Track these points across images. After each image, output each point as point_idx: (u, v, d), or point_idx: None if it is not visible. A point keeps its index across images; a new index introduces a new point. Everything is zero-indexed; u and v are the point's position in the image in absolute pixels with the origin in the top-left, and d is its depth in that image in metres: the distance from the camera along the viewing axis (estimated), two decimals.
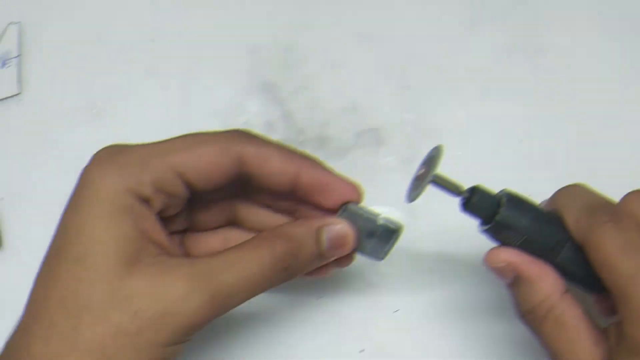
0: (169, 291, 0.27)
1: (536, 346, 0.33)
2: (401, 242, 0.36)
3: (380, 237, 0.31)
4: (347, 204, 0.30)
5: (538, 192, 0.37)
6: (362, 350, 0.36)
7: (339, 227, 0.30)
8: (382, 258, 0.32)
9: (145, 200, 0.28)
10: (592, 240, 0.28)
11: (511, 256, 0.30)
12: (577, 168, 0.41)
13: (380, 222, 0.31)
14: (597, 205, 0.29)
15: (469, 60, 0.44)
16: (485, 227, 0.31)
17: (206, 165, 0.28)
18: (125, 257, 0.27)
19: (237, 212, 0.33)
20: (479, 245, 0.34)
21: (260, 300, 0.36)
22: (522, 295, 0.30)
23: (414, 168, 0.39)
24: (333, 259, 0.31)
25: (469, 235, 0.35)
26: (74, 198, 0.28)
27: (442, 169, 0.31)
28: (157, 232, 0.28)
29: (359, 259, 0.33)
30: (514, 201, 0.31)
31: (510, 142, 0.41)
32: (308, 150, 0.39)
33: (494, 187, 0.38)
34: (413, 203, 0.33)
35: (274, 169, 0.29)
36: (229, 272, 0.28)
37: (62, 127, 0.43)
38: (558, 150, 0.41)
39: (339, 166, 0.39)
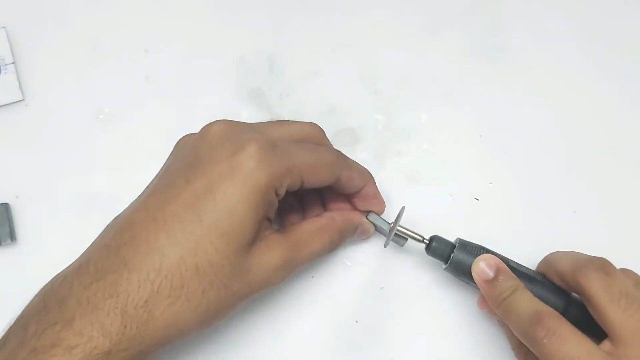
0: (272, 266, 0.32)
1: None
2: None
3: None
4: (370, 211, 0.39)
5: (497, 181, 0.42)
6: (356, 322, 0.39)
7: (366, 224, 0.39)
8: (403, 245, 0.39)
9: (278, 195, 0.33)
10: (537, 353, 0.32)
11: (488, 307, 0.36)
12: (533, 160, 0.43)
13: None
14: (534, 318, 0.32)
15: (432, 65, 0.46)
16: (445, 267, 0.37)
17: (320, 181, 0.35)
18: (253, 238, 0.31)
19: None
20: (447, 229, 0.38)
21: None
22: (506, 336, 0.37)
23: (385, 162, 0.43)
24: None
25: (445, 220, 0.40)
26: (224, 174, 0.31)
27: (416, 157, 0.41)
28: (273, 215, 0.34)
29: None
30: (464, 244, 0.36)
31: (470, 137, 0.44)
32: None
33: (457, 175, 0.42)
34: (388, 193, 0.39)
35: (353, 185, 0.37)
36: (304, 249, 0.35)
37: (70, 132, 0.44)
38: (516, 144, 0.43)
39: None
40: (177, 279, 0.29)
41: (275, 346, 0.39)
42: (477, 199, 0.42)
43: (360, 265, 0.41)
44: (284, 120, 0.39)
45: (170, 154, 0.36)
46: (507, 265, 0.35)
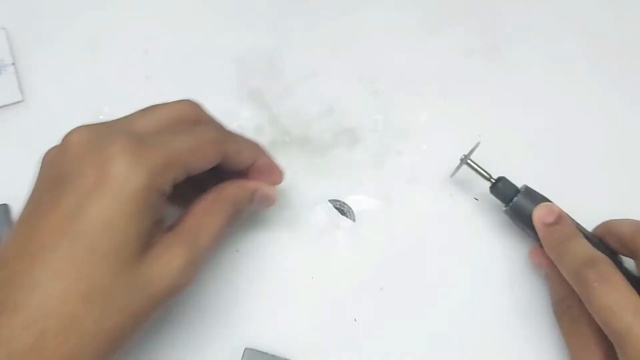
0: (175, 269, 0.29)
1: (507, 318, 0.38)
2: (378, 226, 0.40)
3: None
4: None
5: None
6: (355, 320, 0.39)
7: (265, 190, 0.37)
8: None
9: (164, 193, 0.29)
10: (584, 296, 0.32)
11: (540, 258, 0.36)
12: (533, 159, 0.43)
13: None
14: (589, 262, 0.32)
15: (432, 64, 0.46)
16: (505, 208, 0.37)
17: (206, 164, 0.32)
18: (144, 243, 0.28)
19: None
20: (447, 228, 0.39)
21: (262, 280, 0.40)
22: (549, 290, 0.37)
23: (384, 162, 0.43)
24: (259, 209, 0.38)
25: (445, 220, 0.40)
26: (93, 187, 0.27)
27: (416, 157, 0.40)
28: (164, 216, 0.30)
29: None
30: (529, 192, 0.37)
31: (469, 136, 0.42)
32: (293, 149, 0.43)
33: (457, 174, 0.41)
34: (388, 193, 0.39)
35: (244, 159, 0.35)
36: (203, 236, 0.31)
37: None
38: (515, 143, 0.44)
39: (321, 163, 0.43)
40: (63, 315, 0.26)
41: (274, 345, 0.39)
42: (477, 199, 0.42)
43: (361, 266, 0.41)
44: (150, 107, 0.34)
45: (37, 176, 0.31)
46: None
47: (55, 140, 0.42)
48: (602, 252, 0.34)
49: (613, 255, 0.36)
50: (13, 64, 0.45)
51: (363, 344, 0.38)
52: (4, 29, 0.46)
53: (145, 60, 0.46)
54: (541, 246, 0.36)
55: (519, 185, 0.38)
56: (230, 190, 0.34)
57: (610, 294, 0.31)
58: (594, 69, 0.46)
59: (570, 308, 0.34)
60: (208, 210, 0.33)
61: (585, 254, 0.33)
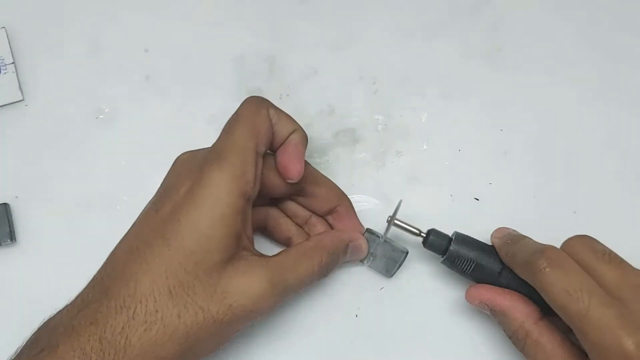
0: (256, 291, 0.31)
1: None
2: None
3: (389, 258, 0.39)
4: (369, 229, 0.40)
5: (497, 181, 0.43)
6: (357, 316, 0.40)
7: (360, 242, 0.39)
8: (391, 276, 0.40)
9: (249, 200, 0.32)
10: (538, 284, 0.32)
11: (480, 294, 0.36)
12: (533, 160, 0.43)
13: (393, 245, 0.39)
14: (538, 252, 0.33)
15: (432, 64, 0.46)
16: (442, 259, 0.37)
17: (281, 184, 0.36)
18: (227, 255, 0.31)
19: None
20: (447, 228, 0.39)
21: None
22: (501, 324, 0.36)
23: (385, 162, 0.43)
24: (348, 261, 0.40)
25: (445, 220, 0.39)
26: (187, 193, 0.31)
27: (416, 157, 0.41)
28: (249, 228, 0.33)
29: None
30: (461, 238, 0.37)
31: (470, 136, 0.44)
32: None
33: (457, 175, 0.42)
34: (388, 192, 0.39)
35: (322, 199, 0.38)
36: (293, 274, 0.33)
37: (70, 132, 0.44)
38: (515, 144, 0.44)
39: (322, 162, 0.43)
40: (151, 304, 0.29)
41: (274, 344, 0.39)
42: (477, 199, 0.42)
43: (360, 266, 0.41)
44: None
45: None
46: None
47: (55, 139, 0.43)
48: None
49: None
50: (13, 63, 0.45)
51: (363, 341, 0.39)
52: (4, 28, 0.46)
53: (145, 60, 0.46)
54: (460, 273, 0.37)
55: (449, 233, 0.38)
56: (328, 239, 0.37)
57: (563, 277, 0.31)
58: (596, 69, 0.46)
59: (529, 334, 0.34)
60: (304, 253, 0.35)
61: (534, 246, 0.34)
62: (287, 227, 0.39)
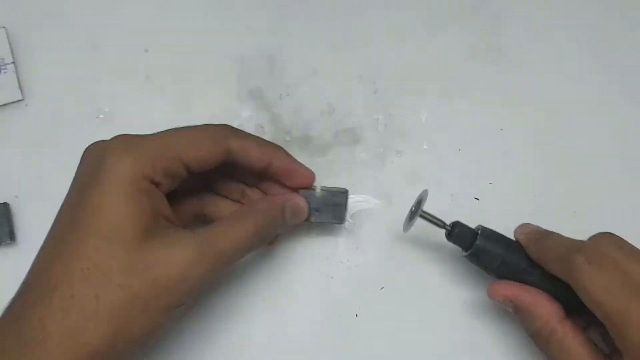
0: (181, 259, 0.30)
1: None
2: (380, 226, 0.40)
3: (334, 205, 0.38)
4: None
5: (497, 181, 0.42)
6: (356, 315, 0.40)
7: (296, 200, 0.37)
8: (343, 222, 0.39)
9: (157, 184, 0.31)
10: (575, 281, 0.31)
11: (506, 290, 0.35)
12: (533, 160, 0.43)
13: (332, 191, 0.38)
14: (574, 248, 0.32)
15: (432, 64, 0.46)
16: (465, 254, 0.36)
17: (204, 155, 0.33)
18: (142, 231, 0.30)
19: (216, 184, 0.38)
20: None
21: (263, 279, 0.40)
22: (524, 322, 0.35)
23: (385, 162, 0.43)
24: (292, 225, 0.38)
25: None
26: (91, 179, 0.30)
27: (416, 157, 0.40)
28: (166, 209, 0.32)
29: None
30: (488, 233, 0.36)
31: (470, 136, 0.44)
32: (293, 149, 0.43)
33: (457, 175, 0.42)
34: (388, 192, 0.39)
35: (253, 157, 0.35)
36: (224, 240, 0.32)
37: (70, 132, 0.44)
38: (516, 144, 0.44)
39: (322, 162, 0.43)
40: (65, 290, 0.28)
41: (273, 344, 0.39)
42: (477, 199, 0.42)
43: (361, 266, 0.41)
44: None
45: None
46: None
47: (54, 139, 0.43)
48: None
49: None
50: (13, 62, 0.45)
51: (363, 341, 0.39)
52: (4, 28, 0.46)
53: (145, 60, 0.46)
54: (485, 269, 0.36)
55: (473, 225, 0.37)
56: (262, 203, 0.36)
57: (603, 274, 0.30)
58: (597, 69, 0.46)
59: (553, 332, 0.33)
60: (237, 219, 0.34)
61: (569, 242, 0.34)
62: (225, 207, 0.38)
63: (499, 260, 0.35)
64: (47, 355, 0.27)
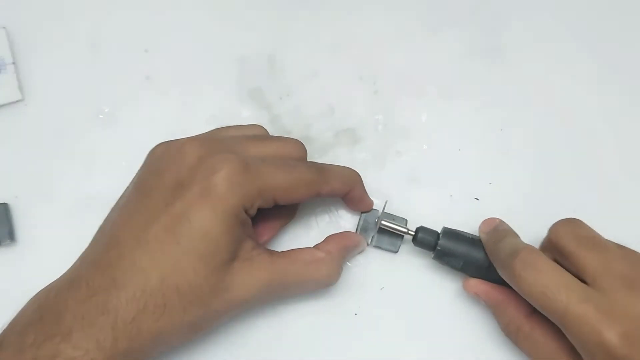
0: (256, 285, 0.33)
1: None
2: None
3: (392, 235, 0.39)
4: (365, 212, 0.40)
5: (497, 181, 0.43)
6: (356, 314, 0.40)
7: (364, 245, 0.40)
8: (397, 250, 0.40)
9: (250, 214, 0.34)
10: (517, 289, 0.33)
11: (476, 287, 0.36)
12: (533, 159, 0.43)
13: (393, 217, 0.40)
14: (514, 254, 0.33)
15: (432, 64, 0.46)
16: (432, 256, 0.37)
17: (296, 198, 0.35)
18: (232, 256, 0.33)
19: None
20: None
21: None
22: (495, 317, 0.36)
23: (385, 162, 0.44)
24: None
25: (445, 220, 0.39)
26: (196, 196, 0.32)
27: (416, 157, 0.41)
28: (251, 231, 0.35)
29: None
30: (450, 233, 0.37)
31: (470, 136, 0.44)
32: None
33: (457, 175, 0.42)
34: (388, 192, 0.39)
35: (336, 195, 0.38)
36: (293, 278, 0.35)
37: (70, 132, 0.44)
38: (516, 143, 0.44)
39: (322, 162, 0.43)
40: (159, 298, 0.30)
41: (273, 344, 0.39)
42: (477, 199, 0.42)
43: (361, 266, 0.41)
44: (267, 137, 0.39)
45: (145, 164, 0.36)
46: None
47: (54, 139, 0.44)
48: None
49: None
50: (13, 63, 0.45)
51: (363, 341, 0.39)
52: (4, 28, 0.46)
53: (145, 60, 0.46)
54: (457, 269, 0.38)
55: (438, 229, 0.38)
56: (336, 251, 0.38)
57: (539, 279, 0.31)
58: (597, 70, 0.46)
59: (520, 328, 0.35)
60: (313, 263, 0.36)
61: (510, 247, 0.34)
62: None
63: (462, 259, 0.37)
64: (139, 349, 0.30)
